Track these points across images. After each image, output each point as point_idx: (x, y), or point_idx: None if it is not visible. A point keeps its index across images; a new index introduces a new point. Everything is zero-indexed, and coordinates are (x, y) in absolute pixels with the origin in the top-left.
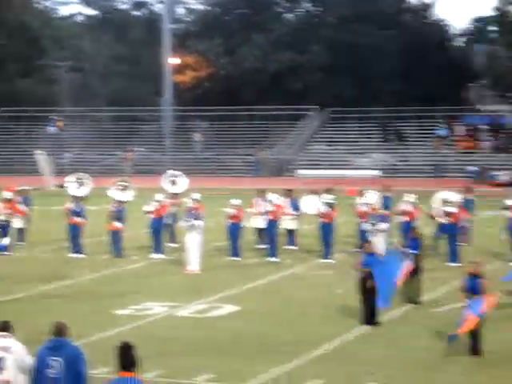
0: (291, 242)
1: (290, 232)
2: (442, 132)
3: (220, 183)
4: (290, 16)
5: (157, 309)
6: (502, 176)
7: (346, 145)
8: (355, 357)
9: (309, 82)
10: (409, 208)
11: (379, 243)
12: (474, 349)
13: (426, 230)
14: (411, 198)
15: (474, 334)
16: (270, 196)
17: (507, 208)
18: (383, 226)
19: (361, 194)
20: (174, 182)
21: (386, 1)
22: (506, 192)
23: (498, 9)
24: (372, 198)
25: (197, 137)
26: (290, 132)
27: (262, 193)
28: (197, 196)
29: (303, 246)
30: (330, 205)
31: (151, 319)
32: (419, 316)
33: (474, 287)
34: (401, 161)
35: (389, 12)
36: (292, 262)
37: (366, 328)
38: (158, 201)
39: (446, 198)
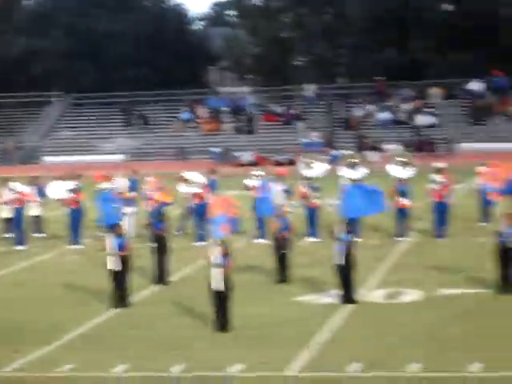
0: (38, 229)
1: (37, 219)
2: (186, 115)
3: None
4: (28, 1)
5: None
6: (244, 156)
7: (90, 130)
8: (106, 340)
9: (51, 68)
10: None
11: (128, 226)
12: (222, 324)
13: (175, 211)
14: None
15: (222, 310)
16: (12, 185)
17: (249, 188)
18: (131, 209)
19: (108, 178)
20: None
21: None
22: (247, 172)
23: None
24: (119, 182)
25: None
26: (35, 119)
27: (4, 182)
28: None
29: (51, 232)
30: (75, 190)
31: None
32: (168, 296)
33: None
34: (145, 144)
35: None
36: (40, 250)
37: (117, 311)
38: None
39: (191, 179)
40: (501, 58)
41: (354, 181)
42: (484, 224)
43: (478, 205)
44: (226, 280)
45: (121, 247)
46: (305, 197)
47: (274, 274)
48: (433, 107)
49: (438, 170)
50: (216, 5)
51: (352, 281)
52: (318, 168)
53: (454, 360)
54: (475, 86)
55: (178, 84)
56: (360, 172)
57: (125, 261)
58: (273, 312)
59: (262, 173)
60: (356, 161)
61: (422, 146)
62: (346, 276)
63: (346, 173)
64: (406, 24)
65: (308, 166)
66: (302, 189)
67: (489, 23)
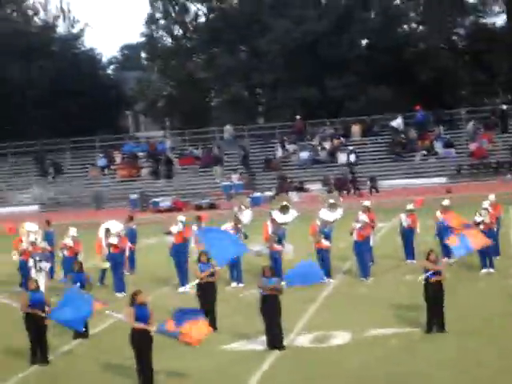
0: None
1: None
2: (102, 161)
3: None
4: None
5: None
6: (163, 202)
7: (2, 181)
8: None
9: None
10: (71, 242)
11: (42, 281)
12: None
13: (90, 261)
14: (73, 231)
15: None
16: None
17: (169, 233)
18: (45, 264)
19: (18, 231)
20: None
21: (33, 33)
22: (167, 218)
23: (145, 35)
24: (32, 235)
25: None
26: None
27: None
28: None
29: None
30: None
31: None
32: (89, 349)
33: (143, 315)
34: (60, 193)
35: (37, 43)
36: None
37: (36, 367)
38: None
39: (109, 228)
40: (420, 93)
41: (284, 224)
42: (410, 261)
43: (403, 242)
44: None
45: (39, 302)
46: None
47: None
48: (353, 145)
49: (365, 209)
50: (126, 48)
51: (278, 326)
52: (247, 214)
53: None
54: (395, 122)
55: (93, 130)
56: (291, 215)
57: (42, 318)
58: (202, 362)
59: (183, 218)
60: (286, 204)
61: (344, 184)
62: (271, 321)
63: (277, 216)
64: (324, 60)
65: (241, 210)
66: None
67: (406, 58)
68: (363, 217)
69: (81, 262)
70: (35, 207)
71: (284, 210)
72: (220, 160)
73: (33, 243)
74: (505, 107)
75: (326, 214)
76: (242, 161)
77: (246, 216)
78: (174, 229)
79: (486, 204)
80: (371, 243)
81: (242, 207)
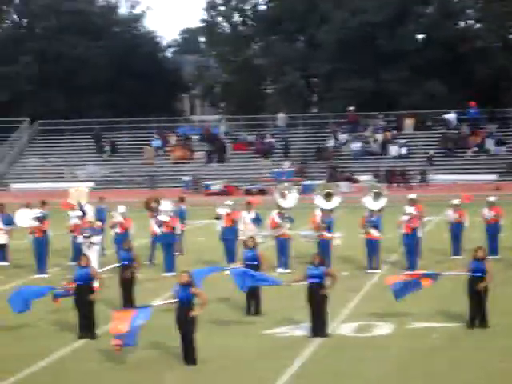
0: (3, 257)
1: (2, 247)
2: (156, 143)
3: None
4: None
5: None
6: (215, 185)
7: (59, 157)
8: (72, 373)
9: (20, 94)
10: (121, 219)
11: (93, 256)
12: (189, 357)
13: (143, 240)
14: (122, 208)
15: (188, 343)
16: None
17: (218, 218)
18: (96, 238)
19: (73, 207)
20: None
21: (96, 13)
22: (217, 201)
23: (205, 20)
24: (86, 210)
25: None
26: (2, 145)
27: None
28: None
29: (16, 262)
30: (41, 218)
31: None
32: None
33: (185, 296)
34: (115, 172)
35: (99, 24)
36: (5, 279)
37: (84, 342)
38: None
39: (160, 208)
40: (475, 89)
41: (328, 211)
42: (456, 257)
43: (449, 237)
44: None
45: (85, 277)
46: (276, 227)
47: (246, 306)
48: (405, 138)
49: (411, 202)
50: (186, 32)
51: (323, 314)
52: (291, 198)
53: None
54: (449, 117)
55: (150, 111)
56: (334, 202)
57: (90, 291)
58: (243, 344)
59: (231, 202)
60: (331, 191)
61: (394, 177)
62: (316, 308)
63: (321, 203)
64: (379, 52)
65: (283, 195)
66: (275, 219)
67: (462, 54)
68: (410, 209)
69: (130, 241)
70: (90, 184)
71: (328, 196)
72: (273, 147)
73: (81, 217)
74: None
75: (369, 203)
76: (295, 149)
77: (290, 200)
78: (222, 211)
79: None
80: (419, 235)
81: (285, 192)
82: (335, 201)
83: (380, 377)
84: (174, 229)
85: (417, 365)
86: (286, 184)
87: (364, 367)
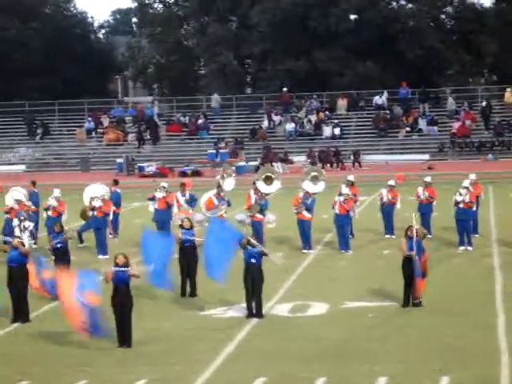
0: None
1: None
2: (89, 124)
3: None
4: None
5: None
6: (148, 167)
7: None
8: (8, 355)
9: None
10: (55, 203)
11: (26, 240)
12: (125, 339)
13: (78, 223)
14: (57, 192)
15: (125, 324)
16: None
17: (152, 199)
18: (28, 223)
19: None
20: None
21: None
22: (152, 183)
23: (137, 0)
24: (18, 194)
25: None
26: None
27: None
28: None
29: None
30: None
31: None
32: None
33: (122, 278)
34: (48, 154)
35: (30, 4)
36: None
37: (17, 325)
38: None
39: (94, 192)
40: (406, 70)
41: (267, 195)
42: (389, 236)
43: (383, 217)
44: (129, 294)
45: (19, 259)
46: (212, 208)
47: (180, 287)
48: (338, 118)
49: (348, 183)
50: (117, 12)
51: (258, 294)
52: (230, 181)
53: (361, 374)
54: (381, 97)
55: (82, 93)
56: (274, 186)
57: (26, 275)
58: (177, 326)
59: (166, 184)
60: (271, 175)
61: (328, 157)
62: (251, 289)
63: (261, 187)
64: (312, 33)
65: (223, 178)
66: (213, 200)
67: (393, 34)
68: (346, 190)
69: (61, 224)
70: (22, 167)
71: (268, 180)
72: (206, 128)
73: (19, 201)
74: None
75: (308, 186)
76: (229, 130)
77: (229, 184)
78: (158, 194)
79: (466, 183)
80: (354, 216)
81: (225, 175)
82: (275, 185)
83: (312, 356)
84: (106, 214)
85: (352, 343)
86: (229, 167)
87: (295, 347)
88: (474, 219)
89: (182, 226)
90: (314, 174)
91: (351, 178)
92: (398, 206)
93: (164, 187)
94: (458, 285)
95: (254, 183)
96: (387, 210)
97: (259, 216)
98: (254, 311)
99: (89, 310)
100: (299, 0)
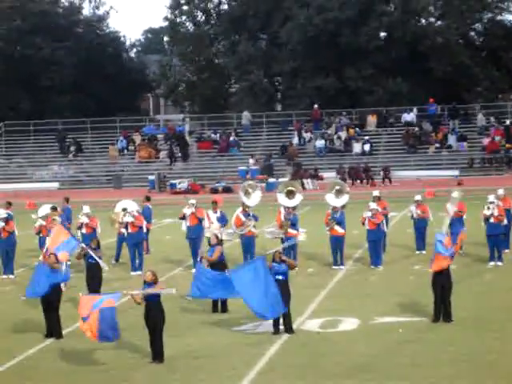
0: None
1: None
2: (121, 142)
3: None
4: None
5: None
6: (180, 184)
7: (23, 158)
8: (39, 371)
9: None
10: (86, 219)
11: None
12: (157, 354)
13: (110, 239)
14: (86, 208)
15: (157, 339)
16: None
17: (183, 218)
18: None
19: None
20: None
21: (60, 13)
22: (183, 200)
23: (168, 19)
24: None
25: None
26: None
27: None
28: None
29: None
30: (5, 219)
31: None
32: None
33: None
34: (80, 172)
35: (63, 24)
36: None
37: (50, 341)
38: None
39: (125, 208)
40: (436, 87)
41: (291, 208)
42: (420, 252)
43: (414, 233)
44: (161, 310)
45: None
46: (241, 225)
47: (211, 302)
48: (368, 135)
49: (375, 198)
50: (149, 32)
51: (288, 310)
52: (255, 196)
53: None
54: (410, 114)
55: (114, 111)
56: (296, 199)
57: (58, 291)
58: (209, 341)
59: (194, 201)
60: (293, 189)
61: (358, 173)
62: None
63: (283, 201)
64: (342, 50)
65: (247, 194)
66: (239, 217)
67: (423, 51)
68: (373, 205)
69: (98, 239)
70: (55, 184)
71: (290, 194)
72: (237, 145)
73: (52, 220)
74: None
75: (332, 200)
76: (259, 147)
77: (254, 199)
78: (187, 211)
79: (491, 198)
80: (385, 230)
81: (250, 190)
82: (297, 198)
83: (343, 371)
84: (140, 228)
85: (382, 358)
86: (250, 182)
87: (326, 362)
88: (506, 234)
89: (209, 243)
90: (337, 187)
91: (376, 193)
92: (431, 218)
93: (193, 204)
94: (489, 300)
95: (277, 197)
96: (419, 225)
97: (292, 231)
98: (284, 326)
99: (103, 313)
100: (330, 17)
